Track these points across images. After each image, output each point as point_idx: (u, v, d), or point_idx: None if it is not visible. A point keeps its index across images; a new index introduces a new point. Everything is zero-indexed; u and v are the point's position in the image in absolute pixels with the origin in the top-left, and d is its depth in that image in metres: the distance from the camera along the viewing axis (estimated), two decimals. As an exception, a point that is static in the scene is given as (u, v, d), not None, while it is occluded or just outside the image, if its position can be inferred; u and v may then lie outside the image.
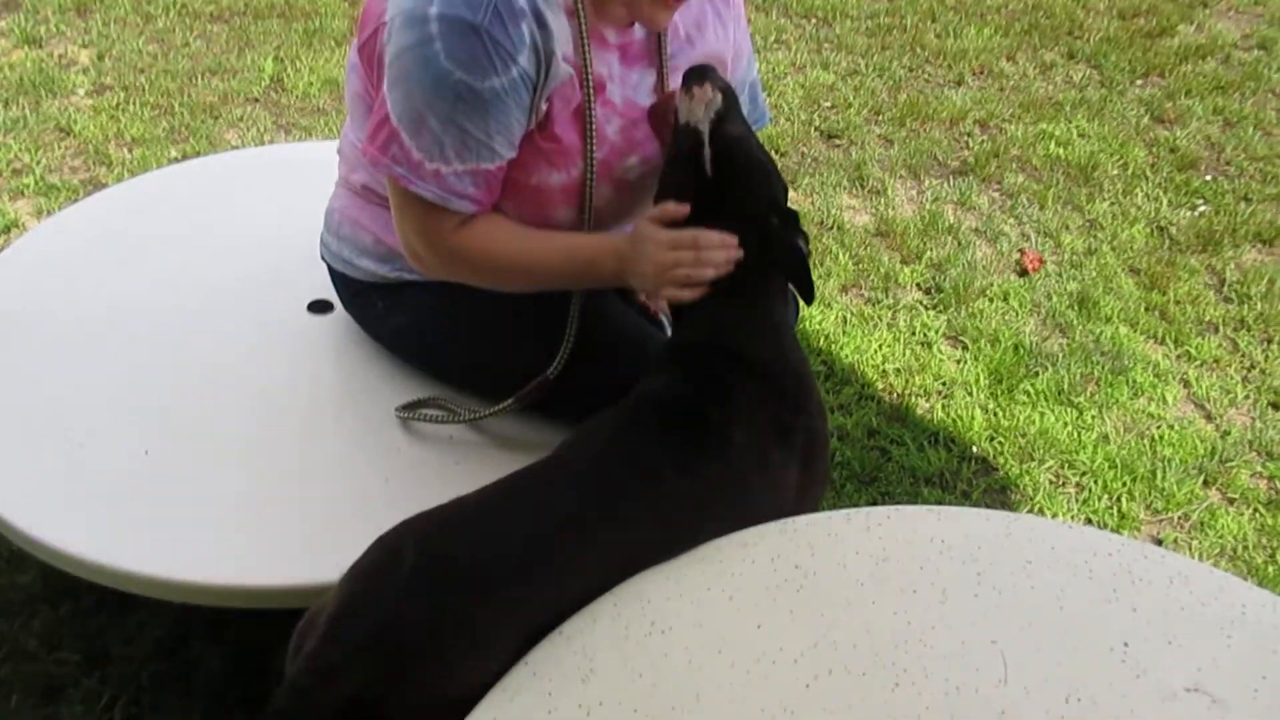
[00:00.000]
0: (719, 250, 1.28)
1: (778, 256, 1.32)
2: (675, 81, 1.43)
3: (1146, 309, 2.48)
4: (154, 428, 1.47)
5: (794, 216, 1.34)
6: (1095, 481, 2.02)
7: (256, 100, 3.06)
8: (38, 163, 2.71)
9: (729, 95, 1.33)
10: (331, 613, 1.09)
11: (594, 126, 1.35)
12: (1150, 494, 2.01)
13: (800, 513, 1.28)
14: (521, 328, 1.48)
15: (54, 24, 3.33)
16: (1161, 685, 1.08)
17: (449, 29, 1.23)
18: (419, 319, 1.53)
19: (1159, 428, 2.16)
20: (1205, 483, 2.04)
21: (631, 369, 1.42)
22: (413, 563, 1.09)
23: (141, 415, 1.48)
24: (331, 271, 1.61)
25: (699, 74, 1.32)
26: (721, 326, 1.33)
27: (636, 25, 1.39)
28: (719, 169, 1.30)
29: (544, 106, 1.32)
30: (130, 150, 2.79)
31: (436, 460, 1.46)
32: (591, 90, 1.34)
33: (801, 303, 1.42)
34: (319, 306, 1.69)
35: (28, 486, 1.38)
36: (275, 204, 1.91)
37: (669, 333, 1.53)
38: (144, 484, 1.39)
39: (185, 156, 2.75)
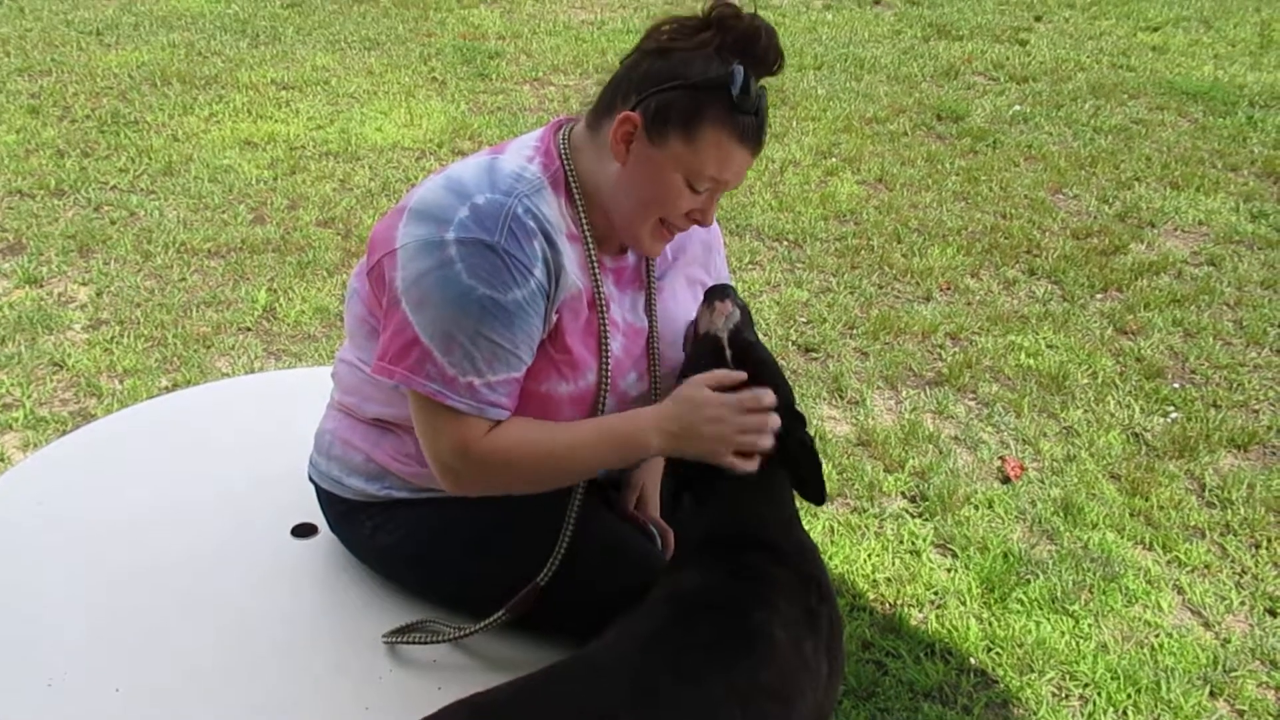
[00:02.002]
0: (755, 419, 1.31)
1: (793, 453, 1.35)
2: (662, 301, 1.51)
3: (1131, 514, 2.49)
4: (127, 662, 1.42)
5: (802, 419, 1.39)
6: (1099, 693, 1.96)
7: (249, 329, 3.14)
8: (28, 396, 2.75)
9: (745, 311, 1.43)
10: None
11: (607, 341, 1.42)
12: (1156, 706, 1.95)
13: (828, 706, 1.28)
14: (511, 539, 1.47)
15: (56, 264, 3.46)
16: None
17: (468, 250, 1.30)
18: (406, 536, 1.52)
19: (1157, 636, 2.12)
20: (1211, 694, 1.99)
21: (623, 578, 1.41)
22: None
23: (115, 649, 1.44)
24: (319, 492, 1.61)
25: (720, 291, 1.43)
26: (745, 517, 1.35)
27: (629, 253, 1.48)
28: (738, 368, 1.36)
29: (554, 318, 1.38)
30: (121, 381, 2.84)
31: (419, 686, 1.41)
32: (604, 306, 1.42)
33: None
34: (303, 530, 1.68)
35: (-9, 728, 1.32)
36: (261, 429, 1.93)
37: (658, 544, 1.53)
38: (113, 723, 1.33)
39: (176, 386, 2.80)
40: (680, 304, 1.55)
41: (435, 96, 5.22)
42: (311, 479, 1.62)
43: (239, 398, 2.08)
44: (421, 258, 1.31)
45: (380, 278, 1.38)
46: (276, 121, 4.77)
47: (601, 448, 1.38)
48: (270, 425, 1.93)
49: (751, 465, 1.31)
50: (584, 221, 1.40)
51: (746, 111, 1.31)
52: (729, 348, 1.37)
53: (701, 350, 1.41)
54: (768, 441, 1.31)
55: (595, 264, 1.41)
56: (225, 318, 3.17)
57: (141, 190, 4.04)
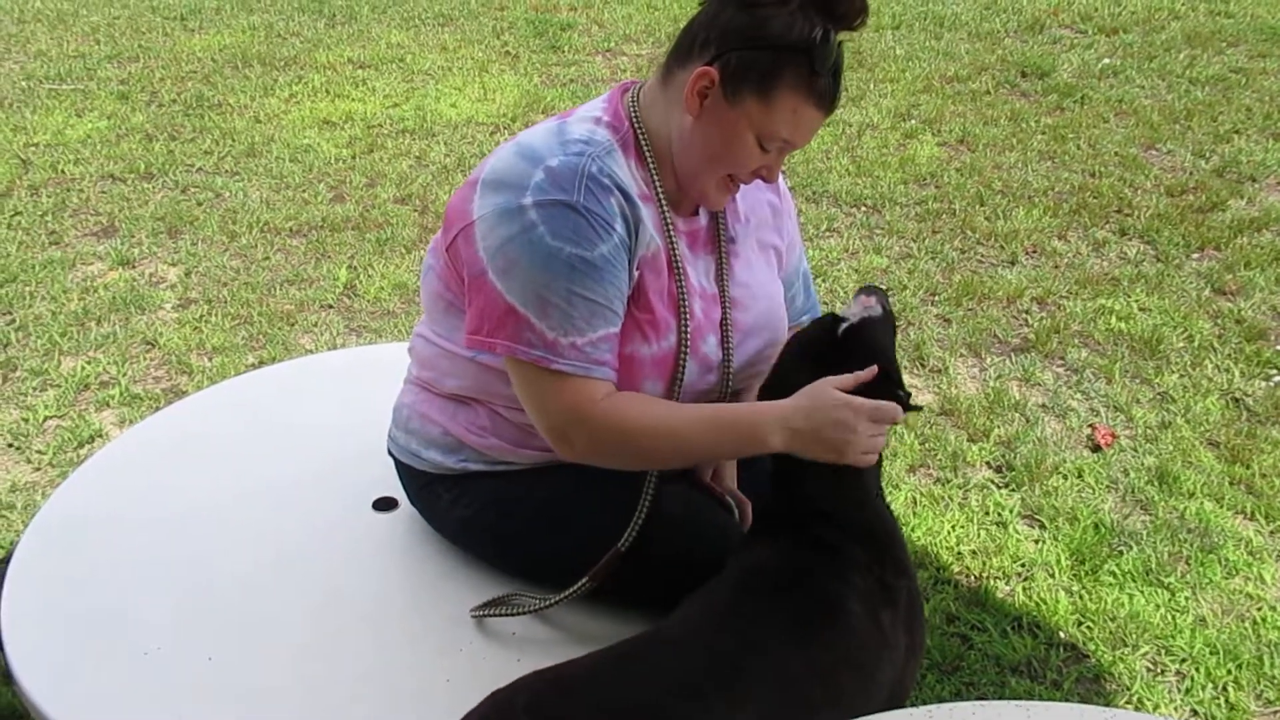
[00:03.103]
0: (895, 416, 1.29)
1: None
2: (734, 267, 1.49)
3: (1231, 483, 2.39)
4: (218, 633, 1.46)
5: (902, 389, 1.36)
6: (1197, 669, 1.89)
7: (330, 306, 3.20)
8: (123, 374, 2.84)
9: (889, 315, 1.41)
10: None
11: (686, 299, 1.41)
12: (1259, 682, 1.87)
13: (908, 680, 1.26)
14: (587, 510, 1.47)
15: (147, 245, 3.56)
16: None
17: (548, 212, 1.30)
18: (483, 508, 1.53)
19: (1260, 609, 2.03)
20: (1319, 669, 1.90)
21: (702, 546, 1.41)
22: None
23: (206, 620, 1.48)
24: (398, 465, 1.63)
25: (871, 289, 1.42)
26: (822, 492, 1.33)
27: (701, 213, 1.46)
28: (849, 338, 1.35)
29: (636, 274, 1.37)
30: (210, 359, 2.92)
31: (499, 658, 1.42)
32: (680, 267, 1.40)
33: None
34: (384, 504, 1.71)
35: (92, 697, 1.37)
36: (343, 404, 1.96)
37: (735, 515, 1.52)
38: (205, 693, 1.37)
39: (262, 363, 2.87)
40: (754, 269, 1.53)
41: (508, 70, 5.23)
42: (391, 453, 1.64)
43: (321, 374, 2.12)
44: (502, 226, 1.31)
45: (458, 253, 1.38)
46: (354, 100, 4.83)
47: (721, 435, 1.35)
48: (351, 401, 1.96)
49: (871, 460, 1.28)
50: (656, 182, 1.39)
51: (825, 74, 1.28)
52: (842, 331, 1.35)
53: (817, 327, 1.40)
54: (881, 442, 1.28)
55: (670, 224, 1.40)
56: (308, 295, 3.24)
57: (226, 172, 4.13)
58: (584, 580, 1.44)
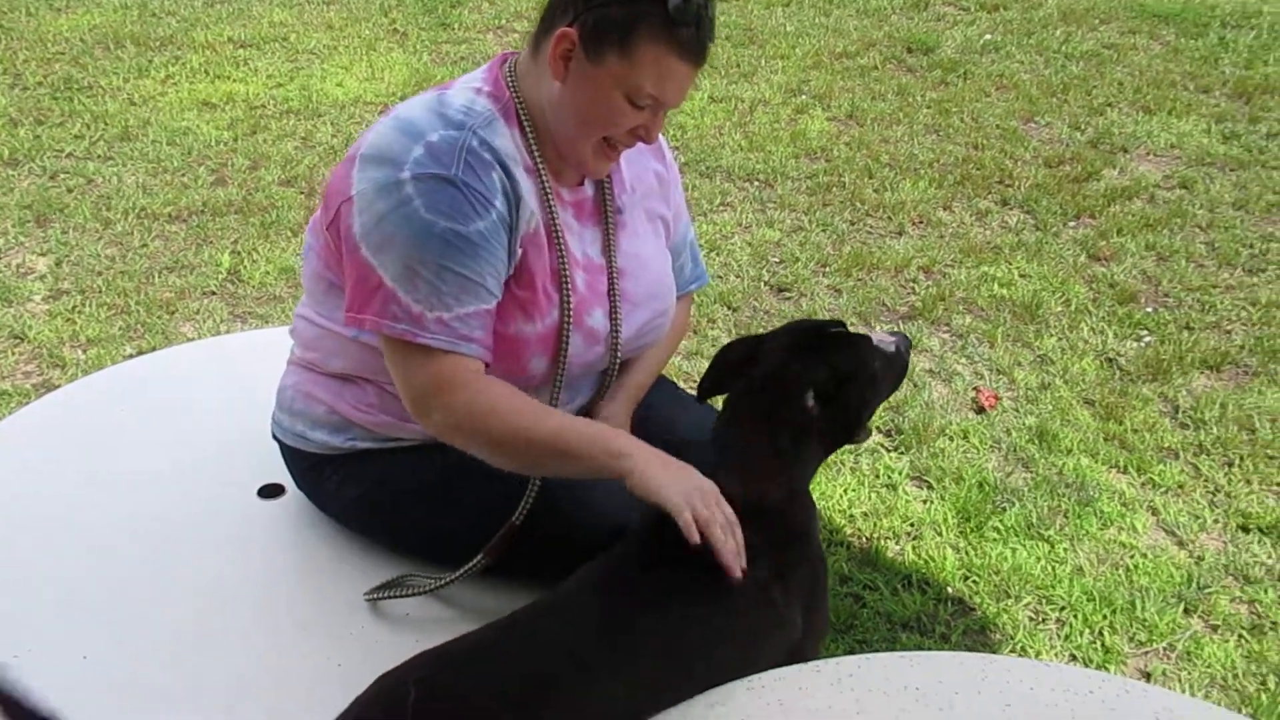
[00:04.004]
0: (733, 548, 1.23)
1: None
2: (621, 237, 1.48)
3: (1105, 439, 2.50)
4: (94, 630, 1.41)
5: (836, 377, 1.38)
6: (1075, 616, 1.98)
7: (213, 293, 3.10)
8: (-9, 368, 2.71)
9: (897, 359, 1.46)
10: None
11: (568, 274, 1.39)
12: (1132, 626, 1.97)
13: (806, 656, 1.27)
14: (483, 485, 1.46)
15: (13, 235, 3.39)
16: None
17: (426, 186, 1.28)
18: (373, 487, 1.51)
19: (1132, 557, 2.14)
20: (1186, 611, 2.01)
21: (596, 518, 1.40)
22: (414, 698, 1.09)
23: (81, 618, 1.43)
24: (283, 449, 1.59)
25: (905, 337, 1.49)
26: (729, 465, 1.34)
27: (587, 184, 1.45)
28: (836, 340, 1.41)
29: (519, 252, 1.36)
30: (85, 351, 2.80)
31: (393, 641, 1.40)
32: (561, 239, 1.39)
33: None
34: (270, 490, 1.66)
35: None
36: (225, 390, 1.90)
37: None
38: (82, 694, 1.32)
39: (141, 353, 2.76)
40: (642, 239, 1.53)
41: (397, 48, 5.12)
42: (275, 436, 1.60)
43: (202, 361, 2.05)
44: (379, 200, 1.29)
45: (338, 230, 1.35)
46: (235, 81, 4.67)
47: (587, 444, 1.31)
48: (235, 387, 1.91)
49: (693, 535, 1.21)
50: (536, 153, 1.38)
51: (684, 23, 1.27)
52: (832, 330, 1.41)
53: (820, 321, 1.45)
54: (715, 534, 1.22)
55: (551, 195, 1.39)
56: (189, 282, 3.13)
57: (98, 157, 3.95)
58: (479, 558, 1.42)
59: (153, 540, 1.56)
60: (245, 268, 3.21)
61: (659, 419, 1.60)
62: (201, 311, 2.99)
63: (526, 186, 1.36)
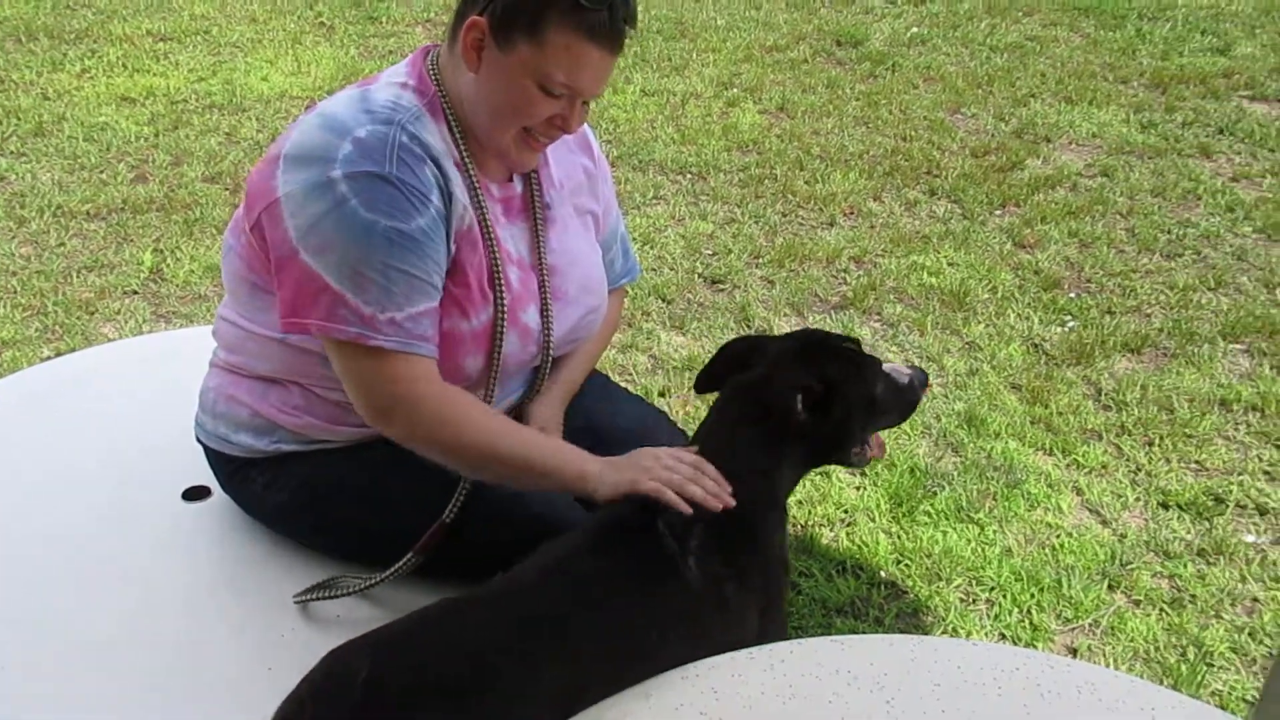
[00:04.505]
0: (710, 484, 1.28)
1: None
2: (551, 234, 1.47)
3: (1032, 422, 2.56)
4: (17, 638, 1.36)
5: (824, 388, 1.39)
6: (1004, 596, 2.02)
7: (135, 293, 3.02)
8: (-100, 373, 2.61)
9: (908, 392, 1.49)
10: None
11: (501, 269, 1.38)
12: (1059, 603, 2.02)
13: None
14: (413, 485, 1.44)
15: (-78, 233, 3.27)
16: (1083, 798, 1.05)
17: (360, 185, 1.25)
18: (299, 490, 1.48)
19: (1058, 537, 2.19)
20: (1110, 587, 2.06)
21: (528, 517, 1.40)
22: (364, 678, 1.09)
23: (4, 626, 1.38)
24: (208, 452, 1.56)
25: (924, 375, 1.52)
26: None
27: (516, 180, 1.44)
28: (839, 352, 1.42)
29: (454, 248, 1.34)
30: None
31: (323, 642, 1.37)
32: (493, 236, 1.37)
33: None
34: (195, 493, 1.63)
35: None
36: (148, 392, 1.85)
37: None
38: (1, 707, 1.28)
39: (59, 354, 2.68)
40: (572, 236, 1.52)
41: (323, 42, 5.03)
42: (199, 439, 1.57)
43: (123, 362, 2.00)
44: (312, 202, 1.26)
45: (263, 233, 1.32)
46: (155, 75, 4.55)
47: (551, 463, 1.34)
48: (158, 388, 1.86)
49: (668, 497, 1.26)
50: (463, 147, 1.36)
51: (595, 7, 1.25)
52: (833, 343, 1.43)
53: (827, 333, 1.47)
54: (691, 491, 1.26)
55: (480, 191, 1.37)
56: (109, 282, 3.04)
57: (11, 153, 3.82)
58: (409, 556, 1.41)
59: (74, 546, 1.51)
60: (168, 266, 3.13)
61: (591, 413, 1.60)
62: (123, 312, 2.91)
63: (457, 182, 1.35)
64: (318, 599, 1.44)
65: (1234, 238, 3.51)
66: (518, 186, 1.45)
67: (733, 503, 1.29)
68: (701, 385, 1.50)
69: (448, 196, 1.32)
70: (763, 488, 1.36)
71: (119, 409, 1.82)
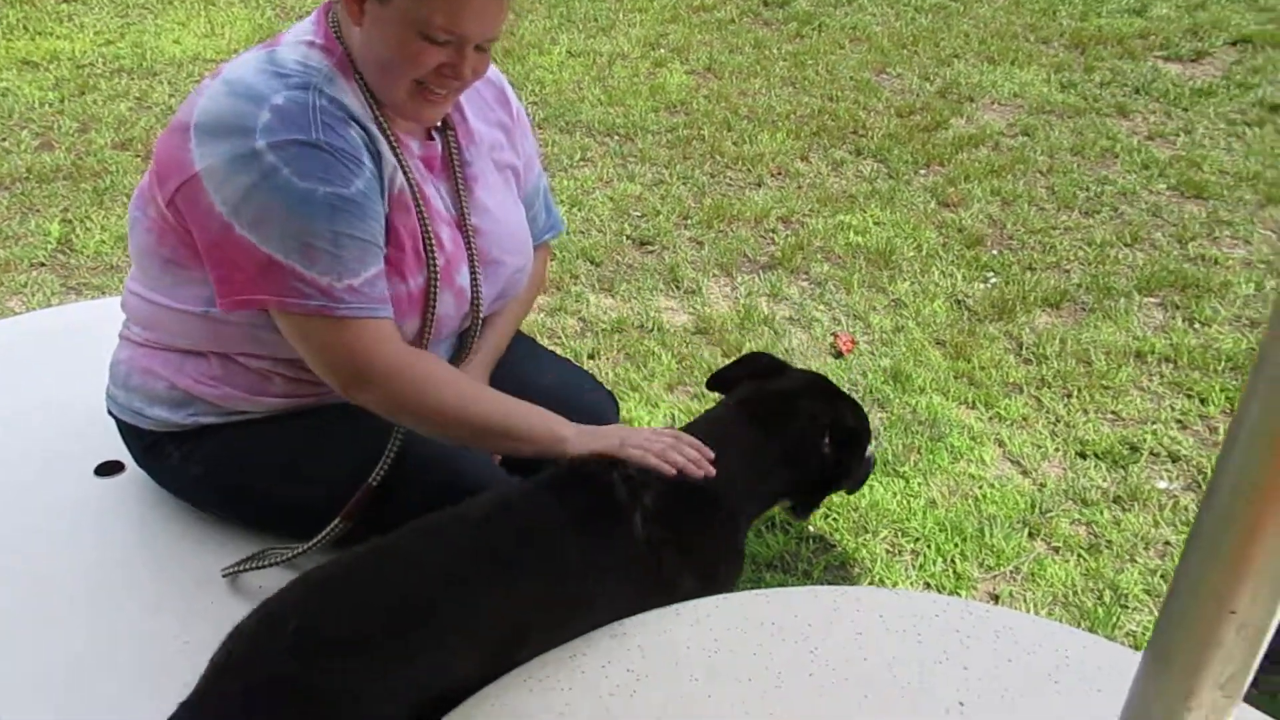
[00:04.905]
0: (691, 452, 1.31)
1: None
2: (474, 192, 1.44)
3: (955, 377, 2.60)
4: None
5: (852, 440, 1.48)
6: (929, 546, 2.07)
7: (42, 264, 2.91)
8: None
9: (869, 463, 1.58)
10: (209, 673, 1.08)
11: (430, 231, 1.35)
12: (981, 552, 2.06)
13: None
14: (337, 452, 1.42)
15: None
16: (1000, 738, 1.08)
17: (288, 153, 1.21)
18: (218, 464, 1.45)
19: (981, 488, 2.24)
20: (1030, 535, 2.12)
21: (458, 481, 1.38)
22: (295, 625, 1.10)
23: (-100, 611, 1.33)
24: (121, 426, 1.51)
25: (874, 459, 1.63)
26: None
27: (435, 138, 1.41)
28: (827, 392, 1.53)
29: (387, 209, 1.31)
30: (-100, 329, 2.59)
31: (246, 614, 1.35)
32: (420, 196, 1.35)
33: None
34: (108, 469, 1.58)
35: None
36: (58, 367, 1.79)
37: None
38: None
39: (-36, 329, 2.57)
40: (495, 193, 1.49)
41: (238, 3, 4.87)
42: (112, 413, 1.52)
43: (30, 335, 1.93)
44: (238, 174, 1.21)
45: (180, 210, 1.27)
46: (59, 38, 4.37)
47: (530, 426, 1.34)
48: (67, 361, 1.80)
49: (652, 462, 1.29)
50: (374, 106, 1.32)
51: None
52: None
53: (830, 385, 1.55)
54: (674, 458, 1.29)
55: (399, 150, 1.34)
56: (14, 254, 2.92)
57: (-94, 120, 3.65)
58: (336, 522, 1.39)
59: (-22, 527, 1.46)
60: (78, 237, 3.02)
61: (517, 375, 1.59)
62: (30, 284, 2.81)
63: (382, 142, 1.31)
64: (247, 569, 1.41)
65: (1149, 194, 3.60)
66: (437, 146, 1.42)
67: (714, 471, 1.31)
68: (713, 384, 1.57)
69: (376, 157, 1.30)
70: (742, 485, 1.38)
71: (27, 384, 1.76)
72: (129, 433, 1.51)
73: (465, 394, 1.34)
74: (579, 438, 1.32)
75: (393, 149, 1.33)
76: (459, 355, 1.52)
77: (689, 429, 1.42)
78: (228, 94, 1.25)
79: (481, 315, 1.49)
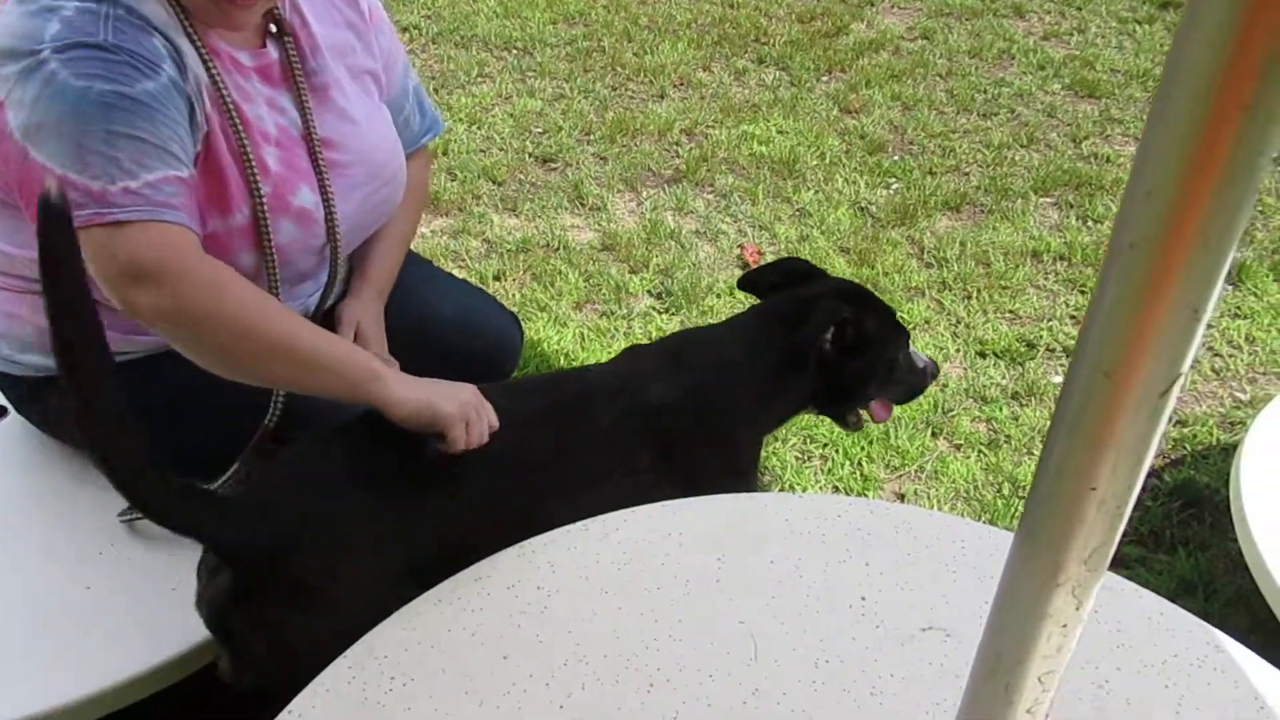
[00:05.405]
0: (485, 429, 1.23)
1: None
2: (323, 103, 1.36)
3: (861, 283, 2.63)
4: None
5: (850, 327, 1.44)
6: (836, 451, 2.11)
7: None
8: None
9: (926, 373, 1.60)
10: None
11: (251, 155, 1.26)
12: (887, 454, 2.12)
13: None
14: (230, 391, 1.36)
15: None
16: (900, 630, 1.11)
17: (68, 55, 1.11)
18: None
19: (886, 390, 2.29)
20: (933, 434, 2.18)
21: (352, 414, 1.35)
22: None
23: None
24: (-4, 373, 1.44)
25: (936, 367, 1.64)
26: (714, 358, 1.39)
27: (270, 47, 1.32)
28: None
29: (201, 132, 1.21)
30: None
31: (146, 558, 1.32)
32: (237, 115, 1.25)
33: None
34: (-12, 414, 1.51)
35: None
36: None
37: None
38: None
39: None
40: (350, 101, 1.40)
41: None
42: (-18, 359, 1.44)
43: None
44: (25, 90, 1.11)
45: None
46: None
47: (336, 355, 1.18)
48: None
49: (458, 434, 1.21)
50: (183, 16, 1.22)
51: None
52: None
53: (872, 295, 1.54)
54: (476, 436, 1.22)
55: (212, 63, 1.24)
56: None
57: None
58: (235, 466, 1.35)
59: None
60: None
61: (412, 304, 1.54)
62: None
63: (193, 57, 1.21)
64: (142, 517, 1.37)
65: (1044, 95, 3.65)
66: (273, 53, 1.32)
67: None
68: (743, 284, 1.58)
69: (183, 70, 1.19)
70: (744, 398, 1.39)
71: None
72: (4, 381, 1.44)
73: (268, 307, 1.18)
74: (401, 380, 1.20)
75: (205, 62, 1.23)
76: (329, 290, 1.44)
77: (698, 332, 1.47)
78: (21, 14, 1.15)
79: (341, 238, 1.40)
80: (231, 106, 1.24)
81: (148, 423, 1.38)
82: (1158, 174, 0.40)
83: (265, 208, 1.27)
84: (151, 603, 1.26)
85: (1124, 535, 1.89)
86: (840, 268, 2.69)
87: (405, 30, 3.87)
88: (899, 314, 2.49)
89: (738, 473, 1.42)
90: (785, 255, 1.56)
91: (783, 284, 1.52)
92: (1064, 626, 0.53)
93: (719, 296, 2.56)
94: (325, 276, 1.44)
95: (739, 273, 2.67)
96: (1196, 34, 0.38)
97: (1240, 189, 0.39)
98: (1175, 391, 0.44)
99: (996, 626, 0.60)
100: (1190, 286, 0.41)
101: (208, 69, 1.23)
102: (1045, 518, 0.51)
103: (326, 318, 1.47)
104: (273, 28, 1.31)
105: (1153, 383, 0.43)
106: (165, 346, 1.36)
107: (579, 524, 1.23)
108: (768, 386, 1.42)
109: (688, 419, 1.36)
